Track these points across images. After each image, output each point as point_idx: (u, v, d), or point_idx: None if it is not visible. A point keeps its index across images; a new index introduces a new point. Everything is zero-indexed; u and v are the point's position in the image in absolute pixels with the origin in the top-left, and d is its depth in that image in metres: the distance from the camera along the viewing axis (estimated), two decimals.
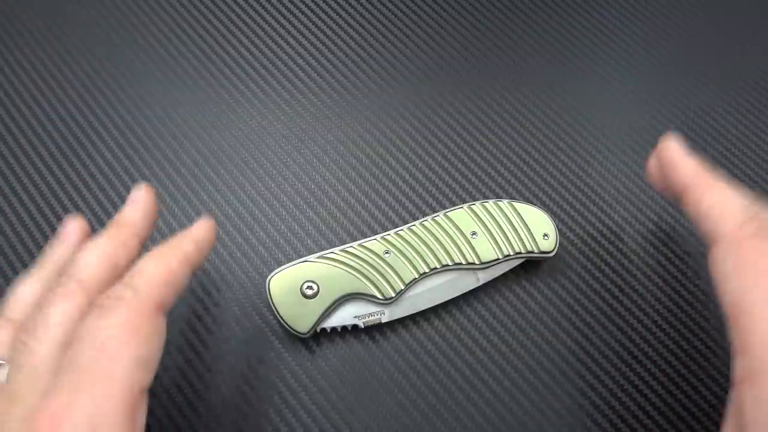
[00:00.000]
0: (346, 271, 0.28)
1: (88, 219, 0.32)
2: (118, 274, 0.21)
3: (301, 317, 0.28)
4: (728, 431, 0.20)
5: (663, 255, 0.32)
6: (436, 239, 0.29)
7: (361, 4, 0.39)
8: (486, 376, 0.29)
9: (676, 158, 0.24)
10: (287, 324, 0.28)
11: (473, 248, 0.29)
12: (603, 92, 0.37)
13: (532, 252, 0.30)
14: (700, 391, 0.29)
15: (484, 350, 0.29)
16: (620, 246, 0.32)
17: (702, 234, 0.22)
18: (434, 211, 0.33)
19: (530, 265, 0.31)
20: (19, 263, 0.31)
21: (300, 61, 0.37)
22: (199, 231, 0.23)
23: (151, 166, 0.33)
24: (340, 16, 0.39)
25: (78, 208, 0.32)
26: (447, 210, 0.30)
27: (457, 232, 0.29)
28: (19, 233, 0.31)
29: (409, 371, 0.29)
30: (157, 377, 0.20)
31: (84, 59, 0.37)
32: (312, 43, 0.38)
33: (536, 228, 0.30)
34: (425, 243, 0.29)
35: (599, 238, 0.32)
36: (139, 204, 0.24)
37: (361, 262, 0.28)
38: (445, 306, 0.30)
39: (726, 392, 0.29)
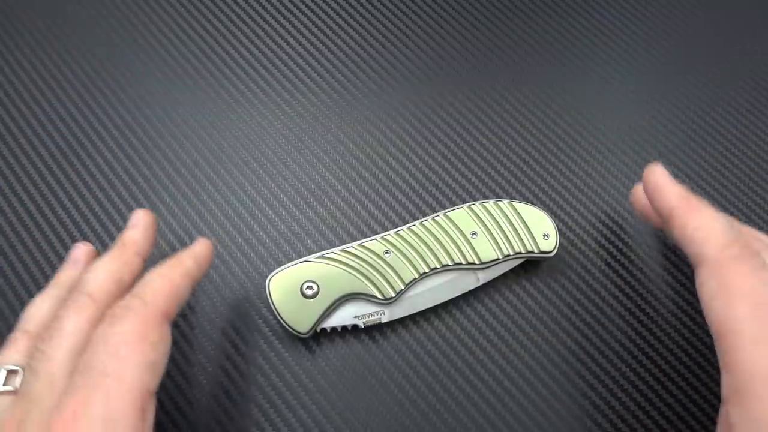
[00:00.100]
0: (346, 271, 0.28)
1: (89, 219, 0.32)
2: (123, 288, 0.23)
3: (301, 317, 0.28)
4: None
5: (663, 255, 0.32)
6: (436, 239, 0.29)
7: (361, 4, 0.39)
8: (486, 376, 0.29)
9: (662, 183, 0.25)
10: (287, 324, 0.28)
11: (473, 248, 0.29)
12: (603, 92, 0.37)
13: (532, 252, 0.30)
14: (700, 391, 0.29)
15: (484, 350, 0.29)
16: (620, 246, 0.32)
17: (688, 256, 0.23)
18: (434, 211, 0.33)
19: (530, 265, 0.31)
20: (20, 263, 0.31)
21: (300, 61, 0.37)
22: (200, 249, 0.26)
23: (151, 166, 0.34)
24: (340, 16, 0.39)
25: (78, 208, 0.32)
26: (447, 210, 0.30)
27: (457, 232, 0.29)
28: (19, 233, 0.31)
29: (409, 371, 0.29)
30: None
31: (84, 59, 0.37)
32: (312, 43, 0.38)
33: (536, 228, 0.30)
34: (425, 243, 0.29)
35: (599, 238, 0.32)
36: (139, 226, 0.26)
37: (361, 262, 0.28)
38: (445, 306, 0.30)
39: None
